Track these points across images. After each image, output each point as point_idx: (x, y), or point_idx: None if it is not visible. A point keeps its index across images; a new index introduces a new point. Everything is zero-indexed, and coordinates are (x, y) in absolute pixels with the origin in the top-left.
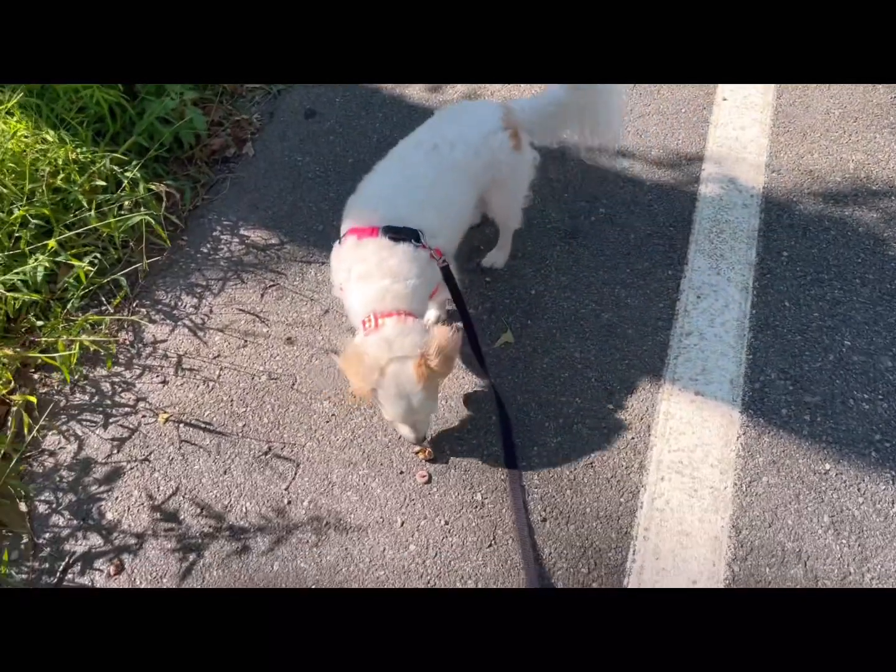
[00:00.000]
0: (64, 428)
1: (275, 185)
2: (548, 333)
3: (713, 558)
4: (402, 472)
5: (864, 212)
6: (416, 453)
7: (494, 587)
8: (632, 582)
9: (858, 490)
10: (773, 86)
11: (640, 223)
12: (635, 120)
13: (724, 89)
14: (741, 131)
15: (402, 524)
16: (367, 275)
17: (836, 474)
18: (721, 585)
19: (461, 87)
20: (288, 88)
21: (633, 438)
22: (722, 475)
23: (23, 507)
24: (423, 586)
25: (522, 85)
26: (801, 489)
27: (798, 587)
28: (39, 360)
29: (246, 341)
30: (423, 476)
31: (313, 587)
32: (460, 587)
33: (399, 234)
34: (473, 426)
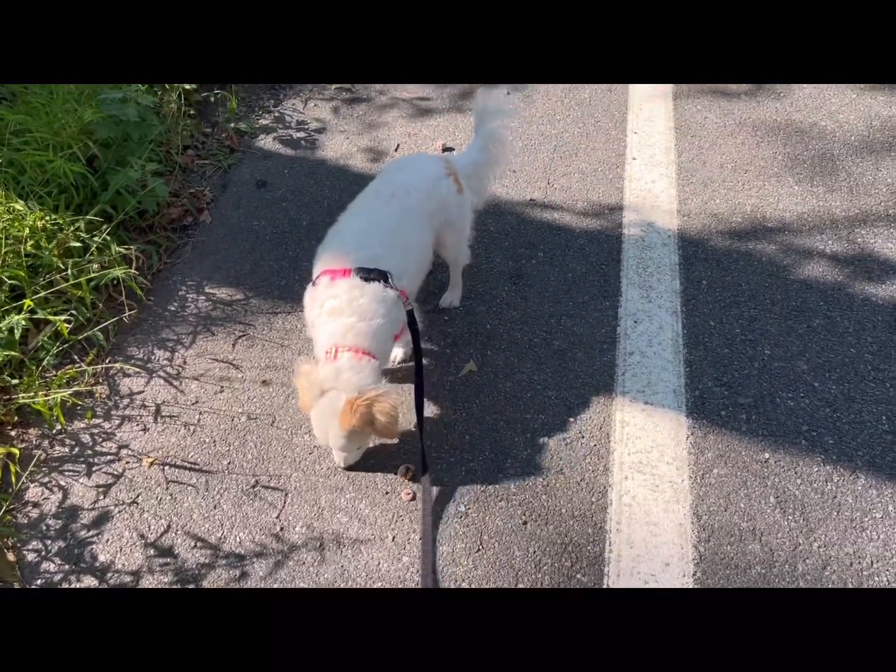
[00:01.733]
0: (46, 480)
1: (235, 247)
2: (507, 361)
3: (680, 542)
4: (387, 493)
5: (764, 245)
6: (401, 475)
7: (482, 588)
8: (611, 570)
9: (795, 473)
10: (673, 147)
11: (576, 263)
12: (559, 179)
13: (632, 150)
14: (652, 184)
15: (393, 539)
16: (337, 311)
17: (775, 462)
18: (691, 565)
19: (400, 156)
20: (237, 163)
21: (595, 445)
22: (678, 470)
23: (11, 556)
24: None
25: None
26: (747, 477)
27: (773, 587)
28: (16, 418)
29: (222, 387)
30: (408, 494)
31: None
32: (449, 587)
33: (370, 274)
34: (450, 446)
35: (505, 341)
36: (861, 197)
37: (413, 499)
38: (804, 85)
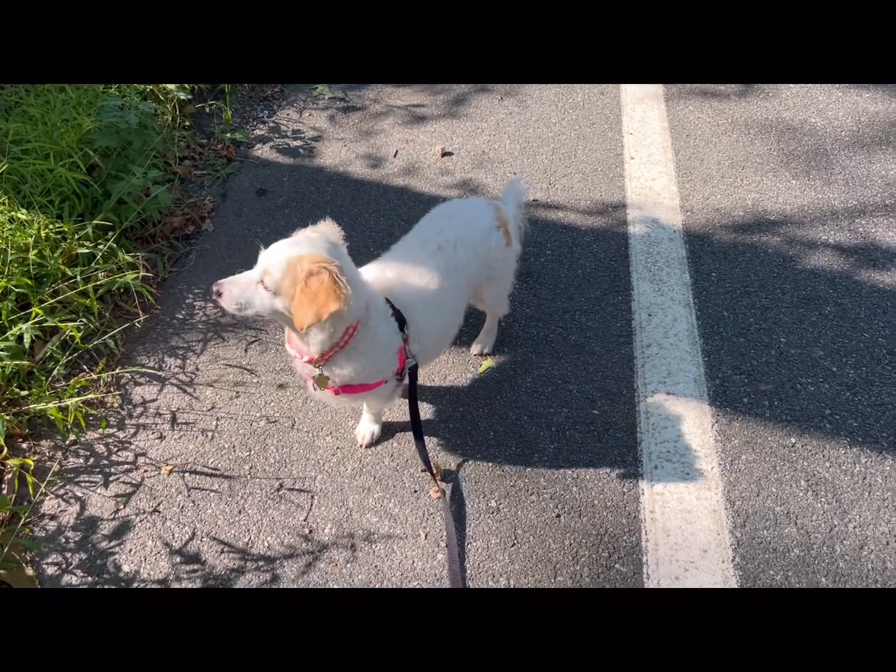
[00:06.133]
0: (62, 492)
1: (239, 254)
2: (525, 357)
3: (716, 528)
4: (415, 491)
5: (768, 237)
6: (424, 471)
7: (485, 587)
8: (650, 559)
9: (823, 456)
10: (670, 146)
11: (585, 260)
12: (560, 179)
13: (629, 150)
14: (652, 182)
15: (425, 537)
16: None
17: (802, 446)
18: (729, 551)
19: (399, 162)
20: (235, 173)
21: (621, 436)
22: (706, 458)
23: (29, 570)
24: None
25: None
26: (776, 461)
27: (797, 588)
28: (27, 430)
29: (238, 392)
30: (437, 492)
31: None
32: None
33: (393, 308)
34: (475, 442)
35: (521, 338)
36: (857, 189)
37: (443, 496)
38: (791, 84)
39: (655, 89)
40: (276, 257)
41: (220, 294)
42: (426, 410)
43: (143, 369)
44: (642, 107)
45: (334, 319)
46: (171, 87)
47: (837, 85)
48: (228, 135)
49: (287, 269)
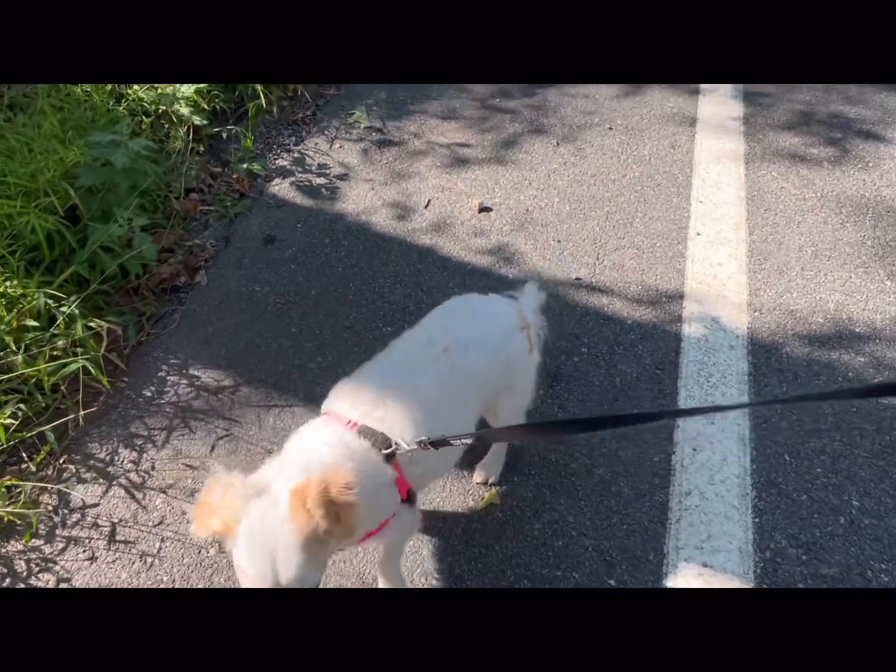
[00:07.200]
0: None
1: (230, 318)
2: (537, 493)
3: None
4: None
5: (850, 355)
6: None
7: None
8: None
9: None
10: (744, 221)
11: (626, 365)
12: (611, 253)
13: (696, 224)
14: (718, 267)
15: None
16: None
17: None
18: None
19: (429, 216)
20: (245, 212)
21: None
22: None
23: None
24: None
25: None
26: None
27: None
28: None
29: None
30: None
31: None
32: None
33: (375, 437)
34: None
35: (536, 465)
36: None
37: None
38: (895, 153)
39: (735, 147)
40: (297, 564)
41: None
42: (405, 558)
43: (89, 464)
44: (717, 168)
45: None
46: (184, 111)
47: None
48: (245, 164)
49: (314, 557)
